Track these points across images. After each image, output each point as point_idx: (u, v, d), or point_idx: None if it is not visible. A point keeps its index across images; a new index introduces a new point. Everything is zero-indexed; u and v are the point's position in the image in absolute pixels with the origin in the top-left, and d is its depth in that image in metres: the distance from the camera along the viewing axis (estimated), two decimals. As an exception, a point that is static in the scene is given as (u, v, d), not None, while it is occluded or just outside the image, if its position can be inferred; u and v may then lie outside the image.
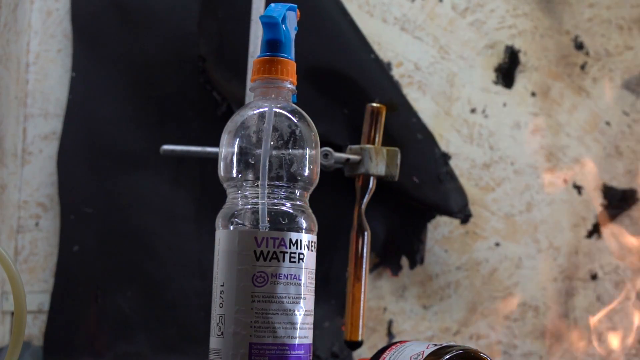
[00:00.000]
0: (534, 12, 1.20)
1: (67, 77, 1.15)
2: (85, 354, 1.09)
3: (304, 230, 0.63)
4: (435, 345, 0.64)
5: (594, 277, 1.18)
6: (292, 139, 0.63)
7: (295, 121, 0.64)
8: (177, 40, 1.13)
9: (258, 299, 0.61)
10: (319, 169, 0.65)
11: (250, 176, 0.63)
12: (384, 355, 0.67)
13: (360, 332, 0.93)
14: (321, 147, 0.94)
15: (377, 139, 0.94)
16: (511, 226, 1.18)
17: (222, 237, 0.63)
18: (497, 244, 1.18)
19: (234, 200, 0.64)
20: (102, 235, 1.12)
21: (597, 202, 1.19)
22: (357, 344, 0.93)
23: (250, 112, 0.64)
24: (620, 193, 1.19)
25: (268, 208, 0.62)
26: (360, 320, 0.92)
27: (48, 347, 1.10)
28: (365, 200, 0.94)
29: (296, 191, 0.64)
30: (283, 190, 0.63)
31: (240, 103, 1.08)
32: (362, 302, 0.93)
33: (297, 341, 0.62)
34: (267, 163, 0.62)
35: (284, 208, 0.63)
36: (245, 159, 0.63)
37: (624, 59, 1.20)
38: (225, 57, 1.13)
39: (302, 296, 0.62)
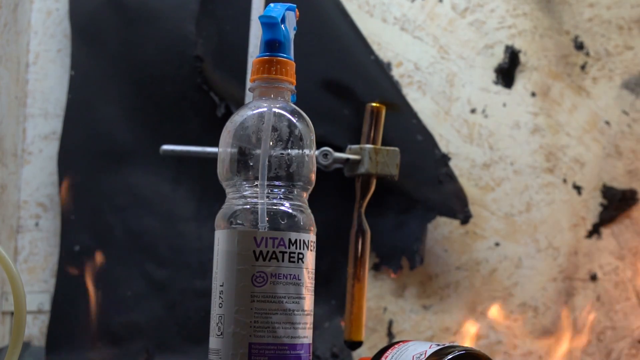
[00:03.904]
0: (533, 12, 1.20)
1: (67, 77, 1.15)
2: (86, 353, 1.09)
3: (303, 230, 0.63)
4: (438, 345, 0.64)
5: (593, 277, 1.18)
6: (291, 139, 0.63)
7: (295, 121, 0.64)
8: (176, 39, 1.13)
9: (257, 299, 0.61)
10: (315, 169, 0.65)
11: (250, 176, 0.63)
12: (385, 355, 0.67)
13: (360, 332, 0.93)
14: (321, 147, 0.94)
15: (377, 139, 0.94)
16: (511, 226, 1.18)
17: (221, 237, 0.63)
18: (497, 244, 1.18)
19: (233, 201, 0.64)
20: (103, 235, 1.12)
21: (597, 202, 1.19)
22: (357, 344, 0.93)
23: (250, 112, 0.64)
24: (620, 193, 1.19)
25: (267, 208, 0.62)
26: (360, 320, 0.92)
27: (50, 347, 1.10)
28: (365, 200, 0.94)
29: (295, 191, 0.64)
30: (282, 190, 0.63)
31: (239, 103, 1.08)
32: (362, 302, 0.93)
33: (296, 341, 0.62)
34: (267, 163, 0.62)
35: (283, 208, 0.63)
36: (245, 159, 0.63)
37: (624, 59, 1.21)
38: (223, 57, 1.13)
39: (302, 296, 0.62)
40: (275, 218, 0.62)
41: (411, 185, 1.14)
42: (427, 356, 0.62)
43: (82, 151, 1.13)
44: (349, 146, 0.95)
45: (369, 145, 0.93)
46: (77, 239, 1.12)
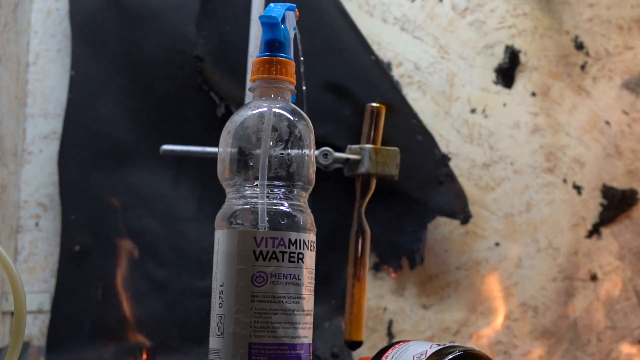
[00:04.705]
0: (534, 12, 1.20)
1: (67, 77, 1.15)
2: (86, 353, 1.09)
3: (303, 230, 0.63)
4: (439, 345, 0.64)
5: (593, 277, 1.18)
6: (291, 139, 0.63)
7: (295, 121, 0.64)
8: (176, 39, 1.14)
9: (257, 299, 0.61)
10: (315, 169, 0.66)
11: (250, 176, 0.63)
12: (386, 354, 0.67)
13: (360, 332, 0.93)
14: (321, 147, 0.94)
15: (377, 139, 0.94)
16: (511, 226, 1.18)
17: (221, 237, 0.63)
18: (497, 244, 1.18)
19: (233, 201, 0.64)
20: (103, 235, 1.12)
21: (597, 202, 1.19)
22: (357, 344, 0.93)
23: (250, 112, 0.64)
24: (620, 193, 1.19)
25: (267, 208, 0.62)
26: (361, 320, 0.93)
27: (50, 347, 1.10)
28: (365, 200, 0.94)
29: (295, 191, 0.64)
30: (282, 190, 0.63)
31: (239, 103, 1.08)
32: (362, 302, 0.93)
33: (296, 341, 0.62)
34: (267, 163, 0.62)
35: (283, 208, 0.63)
36: (245, 159, 0.63)
37: (624, 59, 1.20)
38: (224, 57, 1.13)
39: (302, 296, 0.62)
40: (275, 218, 0.62)
41: (411, 185, 1.14)
42: (427, 356, 0.62)
43: (82, 151, 1.13)
44: (349, 146, 0.95)
45: (369, 145, 0.93)
46: (77, 239, 1.12)
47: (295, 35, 0.67)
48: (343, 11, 1.16)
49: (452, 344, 0.64)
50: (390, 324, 1.17)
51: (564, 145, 1.19)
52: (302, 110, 0.65)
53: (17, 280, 0.60)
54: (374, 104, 0.94)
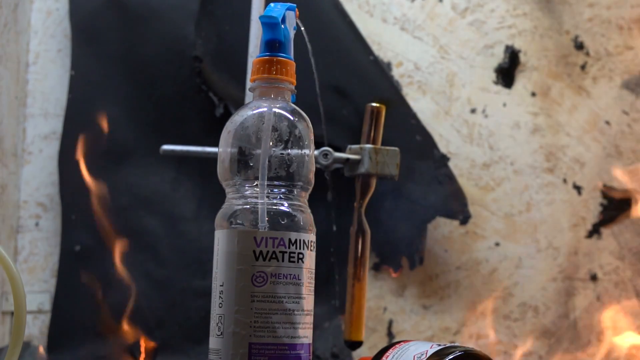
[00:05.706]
0: (534, 12, 1.20)
1: (67, 77, 1.15)
2: (86, 353, 1.09)
3: (303, 230, 0.63)
4: (439, 345, 0.64)
5: (593, 277, 1.18)
6: (291, 139, 0.63)
7: (295, 121, 0.64)
8: (176, 40, 1.14)
9: (257, 299, 0.61)
10: (314, 169, 0.66)
11: (250, 176, 0.63)
12: (386, 354, 0.67)
13: (360, 332, 0.93)
14: (321, 147, 0.94)
15: (377, 139, 0.94)
16: (511, 226, 1.18)
17: (221, 237, 0.63)
18: (497, 244, 1.18)
19: (233, 201, 0.64)
20: (103, 235, 1.12)
21: (597, 202, 1.19)
22: (357, 344, 0.93)
23: (250, 112, 0.64)
24: (620, 193, 1.19)
25: (267, 208, 0.62)
26: (360, 320, 0.93)
27: (50, 347, 1.10)
28: (365, 200, 0.94)
29: (295, 191, 0.64)
30: (282, 190, 0.63)
31: (238, 104, 1.08)
32: (362, 302, 0.93)
33: (296, 341, 0.62)
34: (267, 163, 0.62)
35: (283, 208, 0.63)
36: (245, 159, 0.63)
37: (624, 59, 1.20)
38: (222, 58, 1.13)
39: (302, 296, 0.62)
40: (275, 218, 0.62)
41: (411, 185, 1.14)
42: (428, 356, 0.62)
43: (82, 151, 1.13)
44: (349, 146, 0.95)
45: (369, 145, 0.93)
46: (77, 239, 1.12)
47: (302, 32, 0.67)
48: (343, 11, 1.16)
49: (452, 344, 0.64)
50: (390, 324, 1.17)
51: (564, 145, 1.19)
52: (318, 106, 0.65)
53: (17, 280, 0.60)
54: (374, 104, 0.95)
